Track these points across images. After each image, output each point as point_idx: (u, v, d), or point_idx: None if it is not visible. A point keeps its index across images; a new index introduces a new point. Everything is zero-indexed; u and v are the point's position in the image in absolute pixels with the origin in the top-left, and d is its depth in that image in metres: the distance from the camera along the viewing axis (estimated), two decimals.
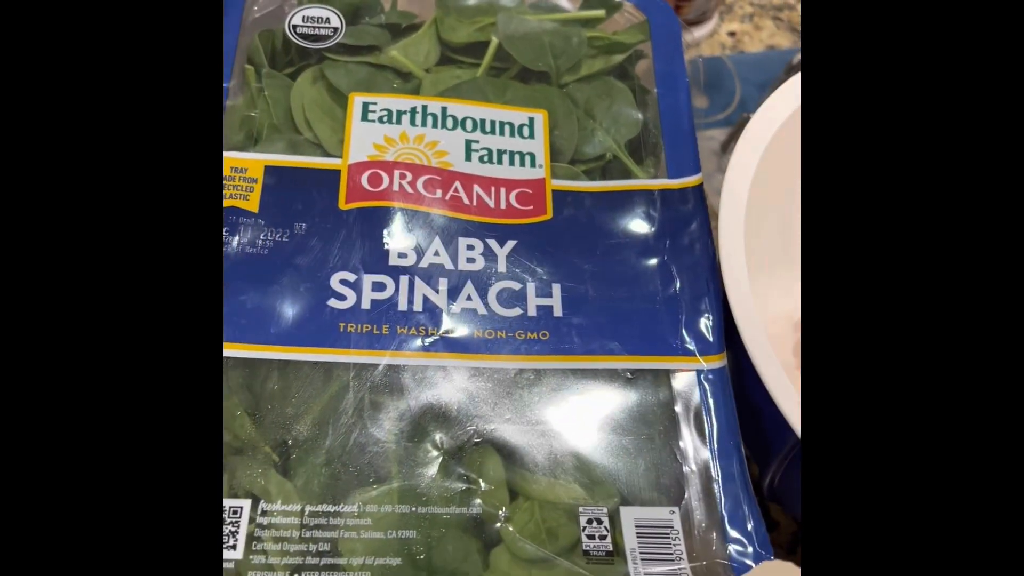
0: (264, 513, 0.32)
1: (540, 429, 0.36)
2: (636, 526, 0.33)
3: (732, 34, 0.68)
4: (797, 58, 0.62)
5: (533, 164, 0.42)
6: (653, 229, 0.41)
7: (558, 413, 0.36)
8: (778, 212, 0.43)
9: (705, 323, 0.38)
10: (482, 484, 0.34)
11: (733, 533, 0.33)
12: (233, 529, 0.31)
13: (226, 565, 0.30)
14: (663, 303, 0.38)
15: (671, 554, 0.33)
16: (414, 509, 0.33)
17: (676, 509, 0.34)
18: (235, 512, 0.31)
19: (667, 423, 0.36)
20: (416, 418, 0.35)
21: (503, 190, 0.41)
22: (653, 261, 0.40)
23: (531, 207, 0.41)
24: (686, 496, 0.34)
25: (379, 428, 0.35)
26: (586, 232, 0.40)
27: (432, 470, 0.35)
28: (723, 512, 0.34)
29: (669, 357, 0.37)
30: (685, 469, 0.35)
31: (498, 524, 0.34)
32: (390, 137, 0.42)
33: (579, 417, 0.36)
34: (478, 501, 0.34)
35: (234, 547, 0.31)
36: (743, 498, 0.34)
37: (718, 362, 0.37)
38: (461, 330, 0.37)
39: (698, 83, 0.62)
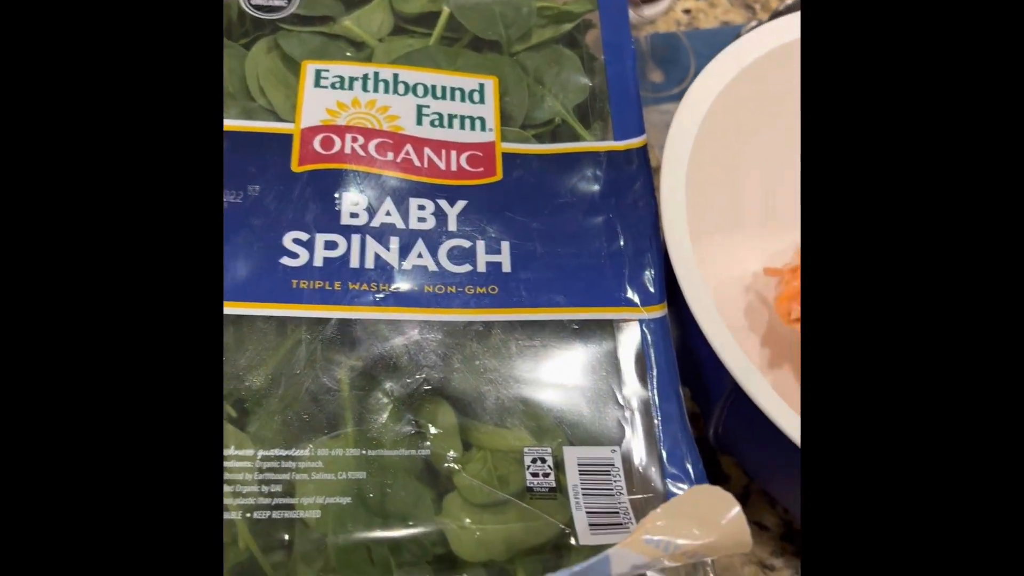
0: None
1: (489, 378, 0.37)
2: (579, 464, 0.35)
3: (687, 11, 0.70)
4: (748, 27, 0.63)
5: (483, 128, 0.44)
6: (599, 189, 0.42)
7: (506, 363, 0.37)
8: (723, 174, 0.45)
9: (647, 276, 0.40)
10: (432, 431, 0.36)
11: (672, 469, 0.35)
12: None
13: None
14: (608, 258, 0.40)
15: (611, 489, 0.34)
16: (365, 453, 0.34)
17: (617, 448, 0.35)
18: None
19: (611, 370, 0.38)
20: (368, 369, 0.36)
21: (454, 153, 0.42)
22: (599, 219, 0.41)
23: (481, 169, 0.42)
24: (627, 436, 0.36)
25: (331, 378, 0.36)
26: (535, 192, 0.42)
27: (383, 417, 0.36)
28: (662, 450, 0.35)
29: (613, 308, 0.39)
30: (627, 412, 0.36)
31: (450, 470, 0.35)
32: (342, 103, 0.43)
33: (527, 367, 0.37)
34: (429, 448, 0.35)
35: None
36: (682, 438, 0.36)
37: (659, 312, 0.39)
38: (412, 286, 0.38)
39: (654, 58, 0.64)
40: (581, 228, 0.41)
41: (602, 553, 0.27)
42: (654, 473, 0.35)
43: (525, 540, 0.33)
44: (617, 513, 0.33)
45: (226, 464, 0.33)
